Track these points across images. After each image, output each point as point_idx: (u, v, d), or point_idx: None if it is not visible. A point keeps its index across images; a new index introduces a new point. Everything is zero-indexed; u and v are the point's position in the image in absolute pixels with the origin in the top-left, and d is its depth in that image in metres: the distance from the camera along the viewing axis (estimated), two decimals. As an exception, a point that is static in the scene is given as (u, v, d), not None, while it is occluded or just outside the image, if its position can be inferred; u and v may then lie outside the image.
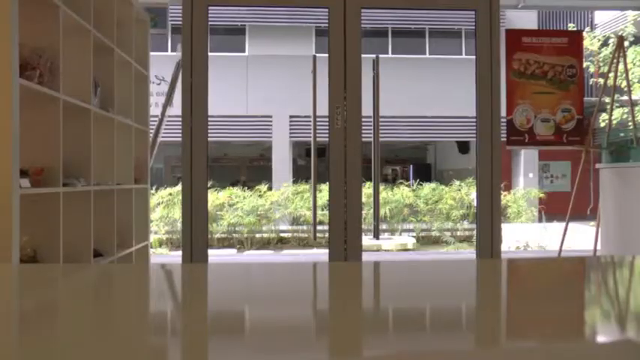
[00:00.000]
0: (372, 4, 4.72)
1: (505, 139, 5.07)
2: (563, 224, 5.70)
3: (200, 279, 1.04)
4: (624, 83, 6.53)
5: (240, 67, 14.82)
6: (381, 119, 5.57)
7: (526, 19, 13.76)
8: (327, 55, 4.27)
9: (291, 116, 14.68)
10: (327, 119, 4.30)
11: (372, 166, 5.57)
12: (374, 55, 5.26)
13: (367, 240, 8.96)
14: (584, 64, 8.30)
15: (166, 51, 11.83)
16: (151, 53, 4.97)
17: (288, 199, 10.92)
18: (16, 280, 1.02)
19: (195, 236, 4.13)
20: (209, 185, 5.01)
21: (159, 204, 10.32)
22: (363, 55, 4.88)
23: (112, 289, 0.97)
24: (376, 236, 7.17)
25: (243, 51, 15.27)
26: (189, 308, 0.79)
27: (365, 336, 0.66)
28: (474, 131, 4.61)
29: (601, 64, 12.28)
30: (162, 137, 6.04)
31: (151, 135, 5.16)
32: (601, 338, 0.66)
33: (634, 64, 11.65)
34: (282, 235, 10.51)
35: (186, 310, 0.78)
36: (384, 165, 17.70)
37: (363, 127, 5.00)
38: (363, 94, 4.96)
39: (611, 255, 4.53)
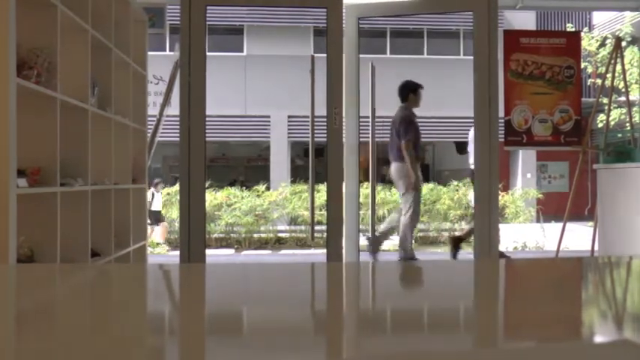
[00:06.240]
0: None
1: (503, 140, 5.08)
2: (561, 225, 5.70)
3: (198, 279, 1.04)
4: (622, 84, 6.54)
5: (238, 66, 14.81)
6: (379, 120, 5.59)
7: (524, 20, 13.77)
8: (325, 55, 4.27)
9: (289, 116, 14.67)
10: (325, 119, 4.30)
11: (370, 166, 5.59)
12: (373, 56, 5.27)
13: (365, 240, 8.95)
14: (582, 65, 8.31)
15: (164, 51, 11.82)
16: (149, 53, 4.97)
17: (286, 199, 10.91)
18: (13, 280, 1.01)
19: (193, 236, 4.13)
20: (207, 185, 5.01)
21: (157, 204, 10.32)
22: (361, 56, 4.89)
23: (110, 290, 0.97)
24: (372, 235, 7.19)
25: (242, 51, 15.26)
26: (186, 309, 0.79)
27: (363, 336, 0.66)
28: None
29: (599, 65, 12.29)
30: (160, 137, 6.03)
31: (149, 135, 5.15)
32: (598, 338, 0.66)
33: (631, 65, 11.66)
34: (280, 235, 10.50)
35: (183, 311, 0.78)
36: (382, 165, 17.70)
37: (363, 128, 5.01)
38: (362, 95, 4.96)
39: (608, 255, 4.54)
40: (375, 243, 5.97)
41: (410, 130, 5.71)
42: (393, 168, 5.96)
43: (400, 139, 5.73)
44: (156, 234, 9.74)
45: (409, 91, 5.94)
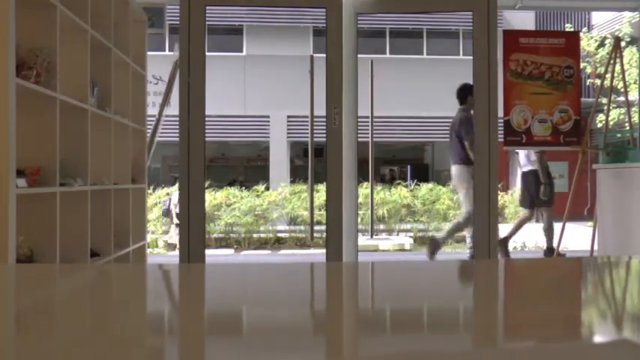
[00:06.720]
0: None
1: (502, 140, 5.08)
2: (560, 225, 5.71)
3: (197, 279, 1.04)
4: (621, 84, 6.54)
5: (238, 66, 14.81)
6: (378, 120, 5.60)
7: (523, 20, 13.77)
8: (324, 55, 4.27)
9: (288, 116, 14.67)
10: (324, 119, 4.30)
11: (369, 166, 5.59)
12: (372, 56, 5.27)
13: (364, 240, 8.94)
14: (582, 65, 8.31)
15: (164, 51, 11.81)
16: (149, 53, 4.97)
17: (285, 199, 10.91)
18: (13, 280, 1.01)
19: (192, 236, 4.13)
20: (206, 185, 5.01)
21: (156, 204, 10.31)
22: (360, 56, 4.88)
23: (109, 290, 0.97)
24: (371, 236, 7.21)
25: (241, 51, 15.26)
26: (186, 309, 0.79)
27: (362, 336, 0.66)
28: (472, 132, 4.61)
29: (598, 65, 12.29)
30: (160, 137, 6.03)
31: (149, 135, 5.15)
32: (598, 338, 0.66)
33: (630, 65, 11.66)
34: (279, 235, 10.50)
35: (183, 311, 0.78)
36: (382, 165, 17.71)
37: (361, 128, 5.01)
38: (362, 95, 4.96)
39: (607, 255, 4.53)
40: (435, 246, 5.98)
41: (471, 130, 5.87)
42: (454, 170, 6.01)
43: (462, 141, 5.80)
44: (174, 236, 9.67)
45: (467, 94, 6.00)
